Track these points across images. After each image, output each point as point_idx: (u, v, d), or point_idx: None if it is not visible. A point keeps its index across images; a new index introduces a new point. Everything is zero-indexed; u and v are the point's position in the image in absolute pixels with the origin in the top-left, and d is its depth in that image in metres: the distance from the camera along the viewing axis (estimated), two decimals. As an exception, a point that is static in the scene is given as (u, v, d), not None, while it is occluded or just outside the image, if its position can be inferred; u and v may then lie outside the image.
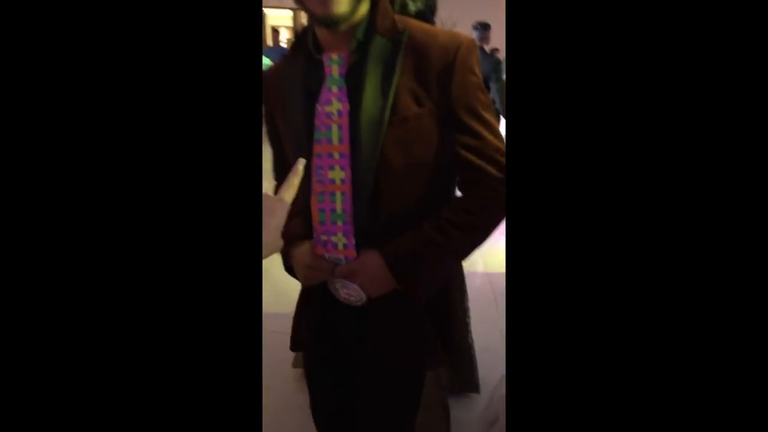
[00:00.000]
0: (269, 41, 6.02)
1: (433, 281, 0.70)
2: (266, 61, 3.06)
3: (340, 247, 0.70)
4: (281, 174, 0.82)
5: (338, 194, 0.68)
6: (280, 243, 0.60)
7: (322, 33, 0.68)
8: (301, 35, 0.73)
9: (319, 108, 0.68)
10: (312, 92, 0.69)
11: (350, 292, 0.71)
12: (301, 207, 0.73)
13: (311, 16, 0.65)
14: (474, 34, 3.49)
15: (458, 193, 0.74)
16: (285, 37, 6.48)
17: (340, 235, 0.70)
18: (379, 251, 0.68)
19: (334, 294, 0.74)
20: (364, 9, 0.66)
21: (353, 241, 0.69)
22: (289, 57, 0.75)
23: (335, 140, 0.67)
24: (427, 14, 1.09)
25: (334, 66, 0.67)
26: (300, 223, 0.77)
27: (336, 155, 0.67)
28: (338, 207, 0.69)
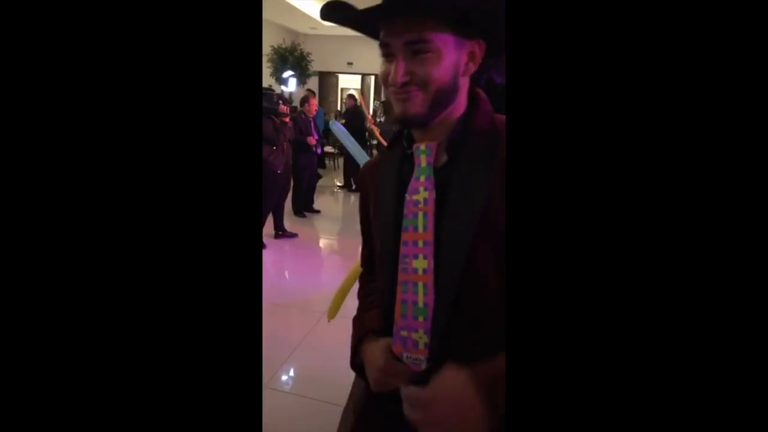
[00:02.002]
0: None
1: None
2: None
3: (421, 346, 0.64)
4: (369, 263, 0.83)
5: (420, 285, 0.64)
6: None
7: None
8: (399, 130, 0.74)
9: (408, 197, 0.67)
10: (404, 183, 0.69)
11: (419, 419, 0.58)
12: (380, 299, 0.72)
13: (391, 118, 0.66)
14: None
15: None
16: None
17: (421, 332, 0.64)
18: (469, 371, 0.56)
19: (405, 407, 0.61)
20: (451, 108, 0.65)
21: (432, 341, 0.63)
22: (387, 150, 0.77)
23: (420, 228, 0.65)
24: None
25: (422, 156, 0.67)
26: (377, 317, 0.73)
27: (420, 243, 0.65)
28: (420, 300, 0.64)
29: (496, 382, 0.52)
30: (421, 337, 0.64)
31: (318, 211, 4.82)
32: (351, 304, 1.78)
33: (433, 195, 0.65)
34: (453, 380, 0.57)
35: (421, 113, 0.62)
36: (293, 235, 4.11)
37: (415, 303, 0.64)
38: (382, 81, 0.65)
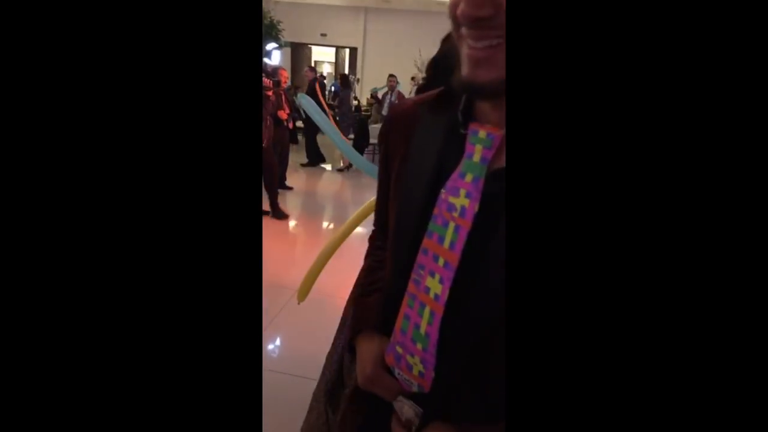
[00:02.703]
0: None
1: None
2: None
3: (415, 372, 0.54)
4: (382, 226, 0.68)
5: (427, 311, 0.52)
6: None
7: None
8: (452, 84, 0.50)
9: (443, 194, 0.51)
10: (444, 171, 0.52)
11: (412, 420, 0.55)
12: (386, 284, 0.61)
13: (456, 80, 0.47)
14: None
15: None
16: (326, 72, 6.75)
17: (417, 359, 0.53)
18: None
19: (395, 409, 0.57)
20: None
21: (432, 375, 0.52)
22: (432, 106, 0.58)
23: (446, 242, 0.50)
24: None
25: (477, 146, 0.49)
26: (376, 306, 0.63)
27: (441, 261, 0.51)
28: (423, 326, 0.52)
29: None
30: (416, 364, 0.53)
31: (290, 188, 4.75)
32: (323, 282, 1.78)
33: (475, 208, 0.48)
34: None
35: (501, 78, 0.41)
36: (285, 217, 4.00)
37: (417, 326, 0.53)
38: (450, 15, 0.45)
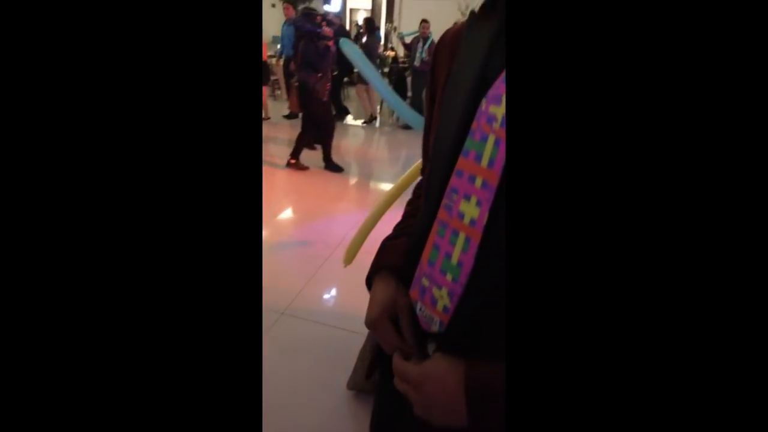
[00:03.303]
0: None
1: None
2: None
3: (440, 307, 0.50)
4: (425, 156, 0.62)
5: (462, 237, 0.47)
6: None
7: None
8: None
9: (483, 105, 0.47)
10: (488, 79, 0.47)
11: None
12: (417, 221, 0.56)
13: None
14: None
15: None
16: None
17: (445, 291, 0.49)
18: (465, 368, 0.47)
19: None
20: None
21: (454, 310, 0.49)
22: (478, 15, 0.52)
23: (485, 160, 0.45)
24: None
25: None
26: (401, 249, 0.59)
27: (478, 182, 0.46)
28: (455, 255, 0.48)
29: (484, 389, 0.46)
30: (442, 297, 0.50)
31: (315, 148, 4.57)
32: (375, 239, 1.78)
33: None
34: (445, 375, 0.48)
35: None
36: (340, 169, 3.97)
37: (448, 256, 0.49)
38: None
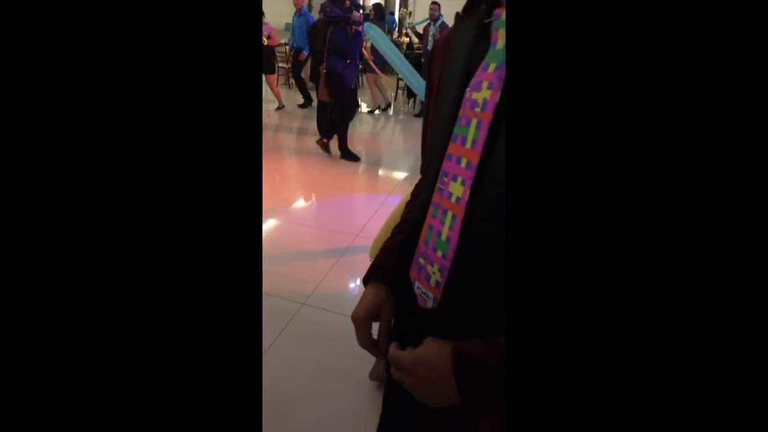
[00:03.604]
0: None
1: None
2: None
3: (432, 282, 0.54)
4: (424, 151, 0.66)
5: (449, 216, 0.51)
6: None
7: None
8: None
9: (467, 93, 0.51)
10: (472, 70, 0.51)
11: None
12: (414, 223, 0.60)
13: None
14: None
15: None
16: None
17: (436, 267, 0.53)
18: (453, 347, 0.49)
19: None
20: None
21: (444, 284, 0.52)
22: (464, 9, 0.56)
23: (468, 142, 0.49)
24: None
25: (500, 31, 0.48)
26: (396, 248, 0.64)
27: (463, 163, 0.50)
28: (444, 231, 0.52)
29: (472, 366, 0.47)
30: (434, 273, 0.53)
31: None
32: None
33: (497, 98, 0.46)
34: (435, 356, 0.50)
35: None
36: (357, 158, 3.94)
37: (439, 233, 0.53)
38: None
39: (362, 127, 5.38)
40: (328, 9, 3.57)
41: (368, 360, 1.58)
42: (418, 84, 2.11)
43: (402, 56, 2.04)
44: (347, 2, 3.47)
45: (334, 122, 3.85)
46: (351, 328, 0.64)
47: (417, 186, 0.72)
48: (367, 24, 2.81)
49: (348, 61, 3.55)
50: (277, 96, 5.61)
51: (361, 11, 3.56)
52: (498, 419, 0.46)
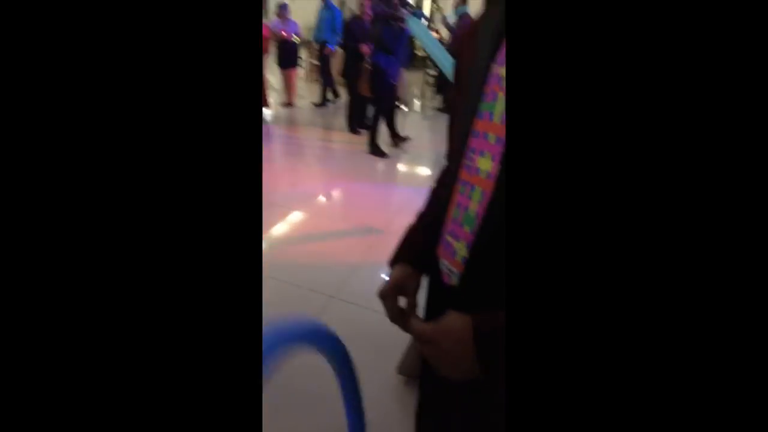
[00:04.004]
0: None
1: None
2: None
3: (458, 258, 0.55)
4: (451, 138, 0.67)
5: (478, 191, 0.52)
6: None
7: None
8: None
9: (494, 68, 0.51)
10: (499, 46, 0.52)
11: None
12: (442, 203, 0.61)
13: None
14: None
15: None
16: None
17: (462, 243, 0.54)
18: (473, 318, 0.51)
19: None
20: None
21: (469, 259, 0.54)
22: (491, 3, 0.58)
23: (496, 117, 0.50)
24: None
25: None
26: (421, 233, 0.65)
27: (492, 138, 0.50)
28: (473, 208, 0.53)
29: (493, 337, 0.48)
30: (461, 249, 0.54)
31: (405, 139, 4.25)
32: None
33: None
34: (456, 327, 0.51)
35: None
36: (385, 155, 3.92)
37: (467, 209, 0.54)
38: None
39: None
40: (375, 7, 3.60)
41: (396, 355, 1.57)
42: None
43: (443, 48, 2.04)
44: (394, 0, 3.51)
45: (377, 118, 3.89)
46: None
47: (441, 175, 0.74)
48: (408, 17, 2.83)
49: (393, 57, 3.57)
50: (293, 92, 5.61)
51: (406, 8, 3.59)
52: None
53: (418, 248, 0.66)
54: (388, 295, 0.65)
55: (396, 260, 0.67)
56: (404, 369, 1.55)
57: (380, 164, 3.86)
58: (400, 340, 1.58)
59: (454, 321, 0.51)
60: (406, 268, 0.65)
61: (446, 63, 2.05)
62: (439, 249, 0.60)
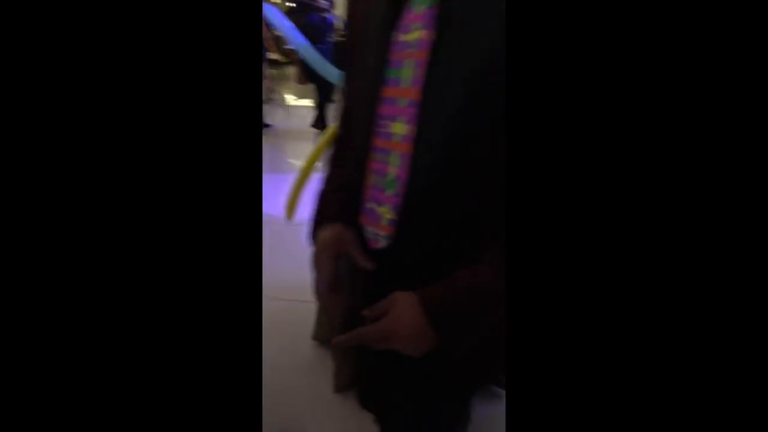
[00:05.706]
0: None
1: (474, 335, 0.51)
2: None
3: (384, 222, 0.56)
4: (345, 122, 0.68)
5: (395, 155, 0.53)
6: None
7: None
8: None
9: (395, 36, 0.52)
10: (397, 15, 0.53)
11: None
12: (352, 170, 0.62)
13: None
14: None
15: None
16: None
17: (386, 207, 0.55)
18: (417, 296, 0.50)
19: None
20: None
21: (397, 220, 0.54)
22: None
23: (406, 81, 0.51)
24: None
25: None
26: (340, 198, 0.64)
27: (403, 102, 0.51)
28: (392, 171, 0.53)
29: (442, 307, 0.49)
30: (385, 212, 0.56)
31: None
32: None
33: (432, 36, 0.48)
34: (406, 308, 0.50)
35: None
36: None
37: (386, 174, 0.55)
38: None
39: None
40: None
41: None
42: (312, 54, 2.04)
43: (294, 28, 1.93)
44: None
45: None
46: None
47: (338, 149, 0.72)
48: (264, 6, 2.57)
49: (320, 46, 3.43)
50: None
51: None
52: (475, 341, 0.50)
53: (340, 206, 0.64)
54: (321, 255, 0.59)
55: (319, 224, 0.64)
56: (318, 335, 1.52)
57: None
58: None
59: (402, 306, 0.50)
60: (335, 226, 0.61)
61: (299, 41, 1.96)
62: (362, 218, 0.60)
